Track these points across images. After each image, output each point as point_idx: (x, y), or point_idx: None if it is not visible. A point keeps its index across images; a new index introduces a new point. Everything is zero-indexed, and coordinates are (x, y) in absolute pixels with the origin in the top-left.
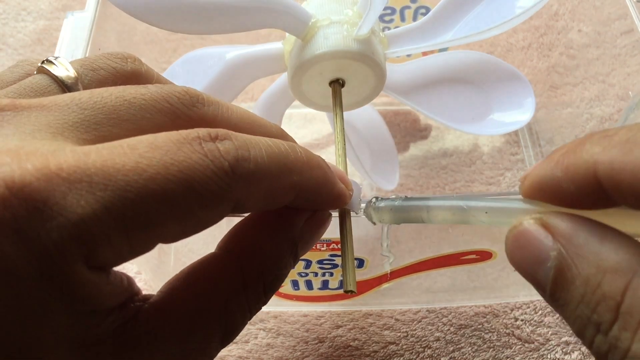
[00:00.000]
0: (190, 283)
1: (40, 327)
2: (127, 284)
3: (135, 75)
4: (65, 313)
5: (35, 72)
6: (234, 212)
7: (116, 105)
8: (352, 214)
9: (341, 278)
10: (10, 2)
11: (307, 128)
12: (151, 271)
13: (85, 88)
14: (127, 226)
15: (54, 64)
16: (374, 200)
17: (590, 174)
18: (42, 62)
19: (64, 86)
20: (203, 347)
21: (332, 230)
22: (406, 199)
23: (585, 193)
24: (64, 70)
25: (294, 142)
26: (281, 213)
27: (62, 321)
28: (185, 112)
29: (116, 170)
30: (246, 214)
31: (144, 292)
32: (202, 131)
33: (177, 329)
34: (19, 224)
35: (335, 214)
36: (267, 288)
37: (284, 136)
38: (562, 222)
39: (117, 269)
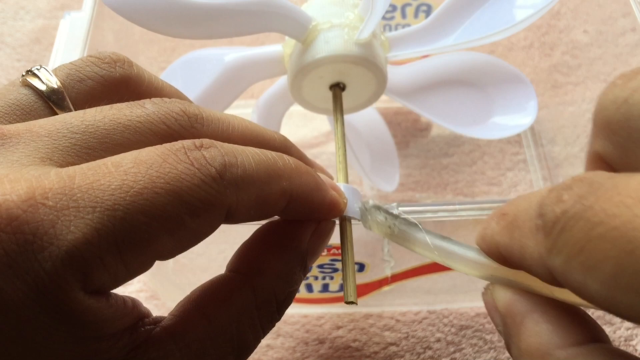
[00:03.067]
0: (202, 305)
1: (45, 357)
2: (132, 306)
3: (125, 80)
4: (70, 341)
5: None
6: (226, 221)
7: (109, 129)
8: (352, 222)
9: (342, 282)
10: (9, 1)
11: (307, 127)
12: (150, 272)
13: (72, 101)
14: (120, 246)
15: (37, 76)
16: (370, 203)
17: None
18: (26, 73)
19: (50, 101)
20: None
21: (333, 236)
22: (398, 218)
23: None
24: (47, 83)
25: (300, 152)
26: (287, 228)
27: (68, 349)
28: (183, 135)
29: (102, 191)
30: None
31: (143, 293)
32: (186, 142)
33: (190, 353)
34: (11, 258)
35: (335, 221)
36: (279, 306)
37: (287, 147)
38: (503, 296)
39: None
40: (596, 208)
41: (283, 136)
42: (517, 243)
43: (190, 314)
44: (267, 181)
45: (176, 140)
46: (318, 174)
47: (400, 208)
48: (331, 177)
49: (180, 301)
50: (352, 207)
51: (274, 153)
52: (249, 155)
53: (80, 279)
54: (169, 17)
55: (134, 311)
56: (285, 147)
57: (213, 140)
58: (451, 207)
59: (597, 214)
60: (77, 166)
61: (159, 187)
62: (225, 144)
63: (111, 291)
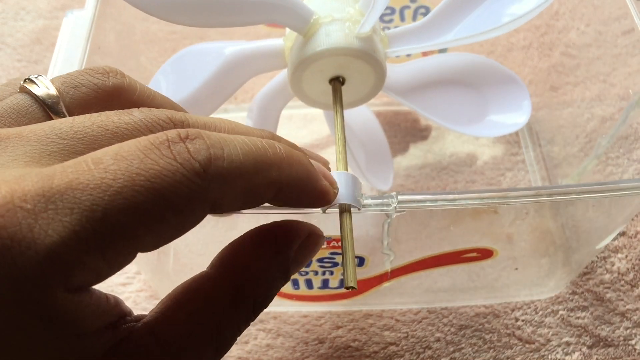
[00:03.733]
0: (183, 303)
1: (29, 355)
2: (114, 303)
3: (118, 90)
4: (52, 339)
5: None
6: (212, 212)
7: (97, 135)
8: (352, 210)
9: (341, 277)
10: (9, 1)
11: (307, 128)
12: (150, 271)
13: (67, 106)
14: (100, 246)
15: (35, 83)
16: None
17: None
18: (24, 81)
19: (45, 105)
20: None
21: (332, 228)
22: None
23: None
24: (44, 89)
25: (290, 143)
26: (276, 234)
27: (50, 347)
28: None
29: (80, 191)
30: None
31: (143, 293)
32: (171, 133)
33: (170, 349)
34: None
35: (335, 210)
36: (256, 307)
37: (276, 140)
38: None
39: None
40: None
41: (271, 132)
42: None
43: (171, 310)
44: (255, 172)
45: None
46: (311, 161)
47: (400, 196)
48: (327, 162)
49: (163, 298)
50: (352, 195)
51: (264, 141)
52: (237, 145)
53: (60, 280)
54: (172, 3)
55: (115, 308)
56: (273, 139)
57: (200, 130)
58: (450, 196)
59: None
60: (58, 165)
61: (139, 185)
62: (213, 134)
63: (94, 287)
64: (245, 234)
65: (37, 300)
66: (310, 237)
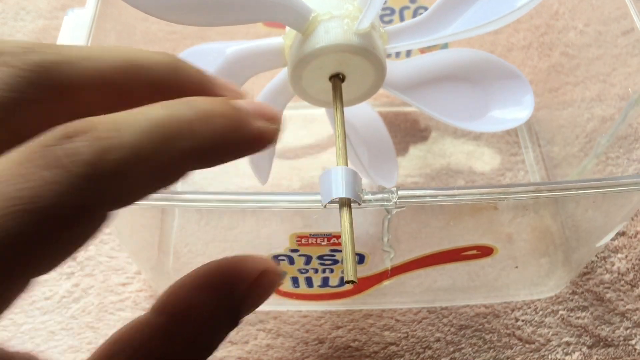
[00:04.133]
0: (116, 352)
1: None
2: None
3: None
4: None
5: None
6: (117, 208)
7: None
8: (353, 205)
9: (342, 275)
10: (9, 1)
11: (307, 129)
12: (151, 271)
13: None
14: None
15: None
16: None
17: None
18: None
19: None
20: None
21: (332, 224)
22: None
23: None
24: None
25: (199, 73)
26: (222, 274)
27: None
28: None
29: None
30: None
31: (143, 293)
32: (50, 135)
33: None
34: None
35: (335, 207)
36: (201, 354)
37: (178, 71)
38: None
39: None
40: None
41: (170, 57)
42: None
43: (112, 349)
44: (160, 150)
45: None
46: (236, 102)
47: (400, 192)
48: (242, 94)
49: (99, 346)
50: (352, 190)
51: (170, 105)
52: (133, 126)
53: None
54: (170, 3)
55: None
56: (175, 72)
57: (88, 120)
58: (450, 192)
59: None
60: None
61: (15, 209)
62: (105, 120)
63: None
64: (189, 273)
65: None
66: (264, 275)
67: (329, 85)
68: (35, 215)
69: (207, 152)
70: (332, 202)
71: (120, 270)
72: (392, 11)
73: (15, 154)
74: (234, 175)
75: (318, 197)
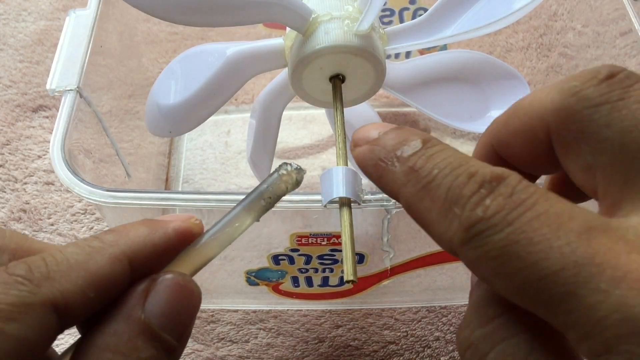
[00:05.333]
0: None
1: None
2: None
3: None
4: None
5: None
6: (68, 319)
7: None
8: (353, 205)
9: (341, 274)
10: (11, 2)
11: (307, 129)
12: None
13: None
14: None
15: None
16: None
17: None
18: None
19: None
20: None
21: (332, 224)
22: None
23: None
24: None
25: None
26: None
27: None
28: None
29: None
30: None
31: None
32: None
33: None
34: None
35: (335, 206)
36: None
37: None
38: None
39: None
40: (516, 226)
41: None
42: (425, 211)
43: None
44: (87, 259)
45: None
46: (148, 218)
47: None
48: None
49: None
50: (352, 190)
51: (93, 235)
52: (58, 250)
53: None
54: (173, 4)
55: None
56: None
57: (20, 260)
58: None
59: (516, 232)
60: None
61: None
62: (33, 257)
63: None
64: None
65: None
66: (159, 281)
67: (329, 85)
68: None
69: (138, 255)
70: (332, 202)
71: None
72: (392, 12)
73: None
74: (234, 175)
75: (318, 197)
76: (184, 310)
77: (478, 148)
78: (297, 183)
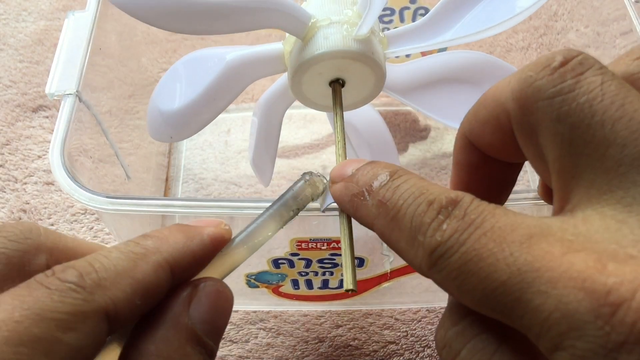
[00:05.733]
0: None
1: None
2: None
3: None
4: None
5: None
6: (116, 324)
7: None
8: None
9: (341, 277)
10: (11, 2)
11: (307, 128)
12: None
13: None
14: None
15: None
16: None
17: None
18: None
19: None
20: None
21: (332, 230)
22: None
23: None
24: None
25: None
26: (161, 305)
27: None
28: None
29: None
30: None
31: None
32: (38, 275)
33: None
34: None
35: (335, 213)
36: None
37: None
38: None
39: None
40: (468, 245)
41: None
42: (396, 241)
43: None
44: (134, 267)
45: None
46: (182, 224)
47: None
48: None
49: None
50: None
51: (133, 240)
52: (103, 255)
53: None
54: (170, 12)
55: None
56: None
57: (66, 264)
58: None
59: (468, 252)
60: None
61: (18, 315)
62: (79, 261)
63: None
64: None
65: None
66: (199, 289)
67: (329, 90)
68: (33, 318)
69: (179, 262)
70: (330, 208)
71: None
72: (392, 11)
73: (11, 291)
74: (234, 175)
75: (317, 204)
76: (222, 316)
77: (456, 140)
78: (322, 193)
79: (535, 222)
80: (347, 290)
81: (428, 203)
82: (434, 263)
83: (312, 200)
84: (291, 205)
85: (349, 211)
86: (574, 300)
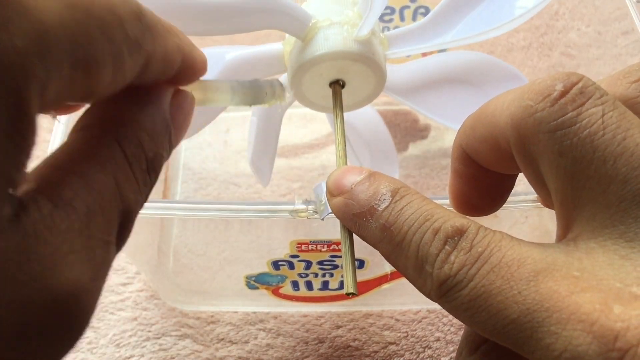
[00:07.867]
0: (70, 165)
1: None
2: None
3: None
4: None
5: None
6: (143, 77)
7: None
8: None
9: (341, 279)
10: None
11: (307, 128)
12: (150, 272)
13: None
14: (75, 54)
15: None
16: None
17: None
18: None
19: None
20: (106, 239)
21: (332, 231)
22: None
23: None
24: None
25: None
26: (147, 88)
27: None
28: None
29: None
30: None
31: (143, 293)
32: None
33: (77, 215)
34: None
35: (334, 216)
36: (149, 166)
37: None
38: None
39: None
40: (477, 281)
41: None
42: (403, 268)
43: (61, 175)
44: (167, 35)
45: None
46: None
47: None
48: None
49: (35, 170)
50: None
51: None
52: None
53: (41, 77)
54: (170, 13)
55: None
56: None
57: None
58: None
59: (477, 287)
60: None
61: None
62: None
63: None
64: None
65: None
66: (179, 93)
67: (329, 91)
68: (113, 14)
69: (186, 58)
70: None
71: (120, 271)
72: (393, 10)
73: None
74: (233, 174)
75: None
76: (186, 125)
77: (454, 149)
78: (278, 98)
79: (541, 256)
80: (347, 294)
81: (434, 231)
82: (443, 294)
83: (264, 102)
84: (245, 85)
85: (351, 229)
86: (584, 343)
